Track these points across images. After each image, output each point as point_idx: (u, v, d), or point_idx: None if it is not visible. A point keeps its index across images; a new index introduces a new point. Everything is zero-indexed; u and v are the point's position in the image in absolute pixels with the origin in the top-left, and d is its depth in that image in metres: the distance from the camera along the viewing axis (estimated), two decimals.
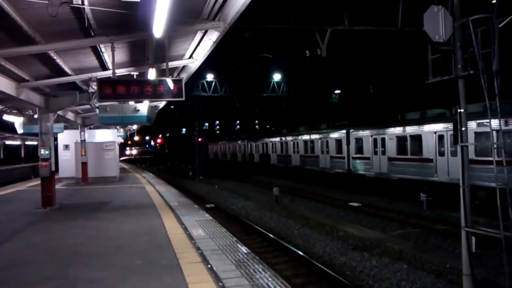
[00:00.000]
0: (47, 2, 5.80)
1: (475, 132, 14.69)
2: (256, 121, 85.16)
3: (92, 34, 8.12)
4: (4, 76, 10.43)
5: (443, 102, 20.40)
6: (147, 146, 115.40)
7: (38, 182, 16.60)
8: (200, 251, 7.21)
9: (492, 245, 9.44)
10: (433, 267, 9.14)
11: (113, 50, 8.83)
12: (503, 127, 12.13)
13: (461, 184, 7.39)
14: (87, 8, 6.54)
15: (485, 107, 7.94)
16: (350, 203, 17.91)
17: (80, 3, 6.12)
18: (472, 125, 14.37)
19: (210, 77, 30.79)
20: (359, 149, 22.92)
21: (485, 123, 14.02)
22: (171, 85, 9.10)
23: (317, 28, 14.45)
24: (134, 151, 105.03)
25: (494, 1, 7.28)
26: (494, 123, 9.60)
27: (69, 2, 6.12)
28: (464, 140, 7.39)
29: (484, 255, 9.67)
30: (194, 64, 11.68)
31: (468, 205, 7.31)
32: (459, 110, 7.44)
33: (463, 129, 7.41)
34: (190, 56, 11.33)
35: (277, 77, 31.81)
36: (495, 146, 7.74)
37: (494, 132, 11.12)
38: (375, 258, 9.76)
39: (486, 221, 12.03)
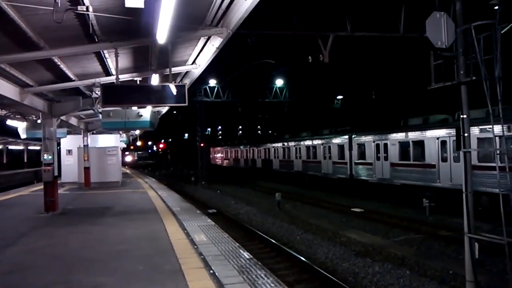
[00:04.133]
0: (52, 8, 5.85)
1: (477, 138, 14.65)
2: (259, 127, 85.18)
3: (96, 40, 8.18)
4: (8, 82, 10.49)
5: (445, 108, 20.38)
6: (149, 151, 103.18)
7: (40, 186, 16.63)
8: (202, 257, 7.21)
9: (495, 251, 9.40)
10: (436, 273, 9.11)
11: (116, 56, 8.88)
12: (505, 133, 12.11)
13: (464, 190, 7.38)
14: (91, 14, 6.59)
15: (487, 113, 7.96)
16: (352, 209, 17.88)
17: (85, 9, 6.19)
18: (475, 131, 14.35)
19: (212, 82, 30.92)
20: (362, 154, 22.88)
21: (487, 129, 14.00)
22: (174, 90, 9.14)
23: (320, 34, 14.55)
24: (129, 158, 78.94)
25: (496, 8, 7.30)
26: (497, 129, 9.58)
27: (74, 8, 6.18)
28: (466, 146, 7.39)
29: (488, 261, 9.62)
30: (197, 70, 11.72)
31: (471, 211, 7.30)
32: (461, 116, 7.45)
33: (465, 135, 7.41)
34: (193, 62, 11.36)
35: (279, 82, 31.93)
36: (498, 152, 7.74)
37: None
38: (377, 264, 9.73)
39: (489, 227, 11.97)
